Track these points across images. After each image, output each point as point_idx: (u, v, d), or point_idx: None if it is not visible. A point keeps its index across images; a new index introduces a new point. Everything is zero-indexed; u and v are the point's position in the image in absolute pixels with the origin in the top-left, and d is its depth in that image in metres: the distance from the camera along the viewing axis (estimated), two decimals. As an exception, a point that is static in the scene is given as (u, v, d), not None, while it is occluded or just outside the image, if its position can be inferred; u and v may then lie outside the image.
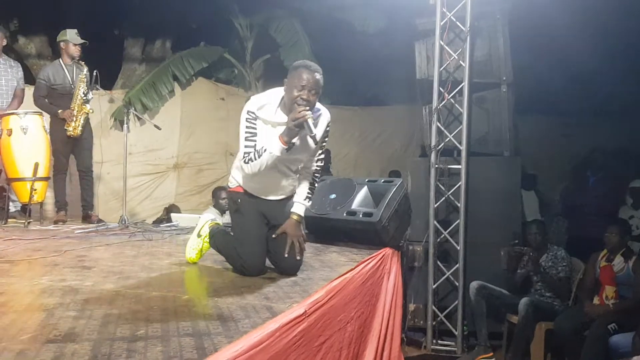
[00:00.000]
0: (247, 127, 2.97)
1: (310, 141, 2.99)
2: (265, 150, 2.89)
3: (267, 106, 2.97)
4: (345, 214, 4.39)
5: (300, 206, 3.15)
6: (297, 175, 3.19)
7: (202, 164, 8.42)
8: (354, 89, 8.95)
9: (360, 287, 3.46)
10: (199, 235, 3.43)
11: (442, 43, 5.16)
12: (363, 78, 9.04)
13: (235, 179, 3.19)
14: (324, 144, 3.16)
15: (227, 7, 8.76)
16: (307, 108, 2.85)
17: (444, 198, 5.28)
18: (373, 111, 9.45)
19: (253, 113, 2.96)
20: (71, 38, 5.35)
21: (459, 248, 5.15)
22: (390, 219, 4.29)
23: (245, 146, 2.96)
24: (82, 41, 5.36)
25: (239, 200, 3.18)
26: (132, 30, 9.28)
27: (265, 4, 8.42)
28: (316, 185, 3.25)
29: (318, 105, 3.04)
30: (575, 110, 7.70)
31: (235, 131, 3.22)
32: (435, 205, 5.23)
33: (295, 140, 2.93)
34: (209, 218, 3.57)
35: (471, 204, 5.27)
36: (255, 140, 2.94)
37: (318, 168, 3.21)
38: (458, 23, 5.20)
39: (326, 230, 4.54)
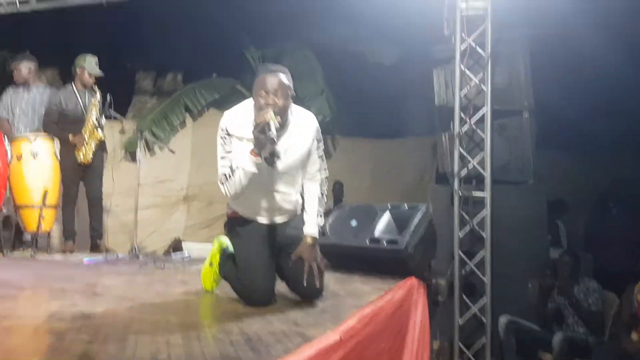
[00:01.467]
0: (220, 145, 2.74)
1: (297, 150, 2.73)
2: (237, 167, 2.63)
3: (240, 122, 2.71)
4: (367, 242, 4.17)
5: (313, 225, 2.84)
6: (297, 193, 2.90)
7: (213, 196, 8.19)
8: (367, 121, 8.82)
9: (390, 318, 3.22)
10: (210, 264, 3.19)
11: (463, 67, 5.02)
12: (376, 110, 8.92)
13: (230, 205, 2.95)
14: (321, 152, 2.87)
15: (239, 39, 8.74)
16: (269, 110, 2.56)
17: (468, 227, 5.05)
18: (386, 143, 9.29)
19: (225, 130, 2.72)
20: (89, 67, 5.25)
21: (485, 281, 4.90)
22: (416, 247, 4.07)
23: (221, 166, 2.72)
24: (99, 74, 5.26)
25: (236, 227, 2.91)
26: (143, 63, 9.26)
27: (277, 36, 8.40)
28: (324, 197, 2.93)
29: (302, 110, 2.81)
30: (596, 141, 7.52)
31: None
32: (461, 235, 5.00)
33: (278, 150, 2.60)
34: (222, 244, 3.26)
35: (496, 233, 5.04)
36: (230, 159, 2.69)
37: (323, 180, 2.90)
38: (478, 48, 5.08)
39: (347, 258, 4.31)
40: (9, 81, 5.65)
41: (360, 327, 2.55)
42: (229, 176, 2.66)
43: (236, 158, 2.66)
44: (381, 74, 8.15)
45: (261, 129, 2.51)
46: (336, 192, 8.32)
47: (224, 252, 3.18)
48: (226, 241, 3.28)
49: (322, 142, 2.88)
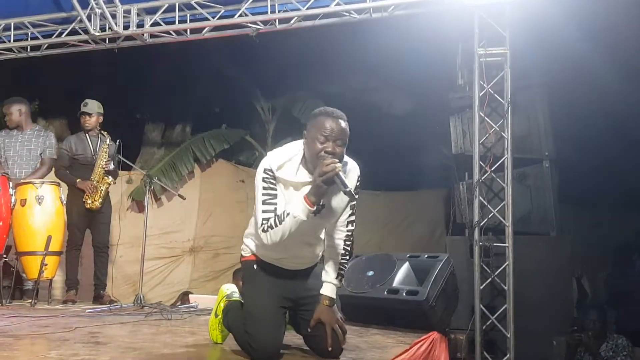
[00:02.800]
0: (264, 188, 2.48)
1: (341, 200, 2.52)
2: (288, 214, 2.40)
3: (287, 164, 2.50)
4: (386, 293, 3.96)
5: (331, 287, 2.61)
6: (322, 241, 2.68)
7: (219, 247, 8.02)
8: (378, 172, 8.69)
9: (415, 372, 2.99)
10: (216, 314, 2.96)
11: (483, 114, 4.92)
12: (388, 162, 8.81)
13: (249, 247, 2.71)
14: (355, 202, 2.61)
15: (249, 91, 8.76)
16: (336, 160, 2.37)
17: (489, 280, 4.82)
18: (397, 196, 9.15)
19: (271, 172, 2.49)
20: (83, 108, 5.17)
21: (508, 336, 4.62)
22: (438, 298, 3.86)
23: (264, 211, 2.46)
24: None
25: (255, 267, 2.66)
26: (152, 114, 9.26)
27: (288, 87, 8.41)
28: (348, 257, 2.68)
29: (346, 158, 2.56)
30: (617, 192, 7.34)
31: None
32: (481, 288, 4.76)
33: (324, 200, 2.46)
34: (227, 292, 3.02)
35: (517, 287, 4.80)
36: (275, 204, 2.47)
37: (349, 233, 2.64)
38: (496, 96, 4.99)
39: (364, 310, 4.09)
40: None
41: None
42: (276, 223, 2.43)
43: (284, 204, 2.47)
44: (394, 124, 8.09)
45: (328, 179, 2.33)
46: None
47: (228, 300, 2.95)
48: (231, 288, 3.06)
49: (359, 192, 2.65)
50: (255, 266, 2.66)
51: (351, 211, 2.62)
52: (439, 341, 3.79)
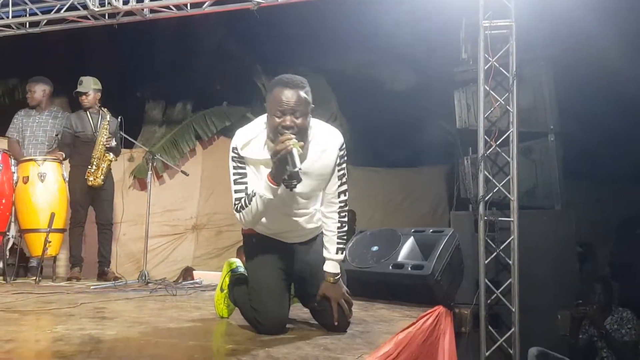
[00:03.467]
0: (234, 167, 2.44)
1: (321, 170, 2.45)
2: (254, 195, 2.35)
3: (253, 141, 2.42)
4: (390, 267, 3.93)
5: (332, 263, 2.55)
6: (317, 211, 2.59)
7: (222, 225, 8.00)
8: (380, 149, 8.65)
9: (422, 346, 2.99)
10: (221, 289, 2.93)
11: (488, 88, 4.86)
12: (389, 138, 8.76)
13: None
14: (342, 171, 2.54)
15: (249, 67, 8.66)
16: (291, 137, 2.27)
17: (493, 255, 4.81)
18: (399, 173, 9.11)
19: (237, 151, 2.42)
20: (78, 87, 5.13)
21: (513, 310, 4.63)
22: (443, 273, 3.84)
23: (235, 191, 2.43)
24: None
25: (254, 240, 2.60)
26: (153, 92, 9.17)
27: (289, 63, 8.29)
28: (345, 227, 2.59)
29: (322, 125, 2.49)
30: (622, 166, 7.28)
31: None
32: (486, 262, 4.74)
33: (298, 173, 2.30)
34: (233, 267, 2.99)
35: (522, 261, 4.79)
36: (245, 183, 2.42)
37: (342, 205, 2.55)
38: (502, 69, 4.92)
39: (368, 285, 4.06)
40: (18, 108, 5.54)
41: (396, 353, 2.32)
42: (246, 203, 2.38)
43: (251, 183, 2.41)
44: (396, 100, 8.01)
45: (282, 159, 2.25)
46: (348, 222, 8.10)
47: (233, 274, 2.91)
48: (237, 262, 3.03)
49: (345, 160, 2.57)
50: (254, 240, 2.61)
51: (340, 181, 2.53)
52: (444, 315, 3.79)
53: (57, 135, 5.22)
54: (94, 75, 5.27)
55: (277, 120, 2.32)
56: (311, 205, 2.57)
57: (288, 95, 2.32)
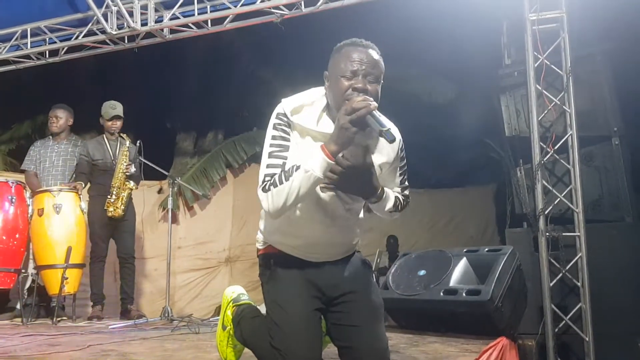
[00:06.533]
0: (273, 137, 1.93)
1: (380, 158, 1.97)
2: (298, 168, 1.82)
3: (306, 109, 1.95)
4: (442, 294, 3.44)
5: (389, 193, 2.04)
6: (356, 226, 2.11)
7: (256, 256, 7.59)
8: (422, 168, 8.13)
9: (487, 386, 2.46)
10: (223, 327, 2.34)
11: (540, 87, 4.34)
12: (430, 157, 8.24)
13: (262, 234, 2.13)
14: (404, 166, 2.09)
15: (277, 90, 8.35)
16: (370, 98, 1.80)
17: (559, 276, 4.21)
18: (443, 194, 8.57)
19: (285, 117, 1.93)
20: (104, 113, 4.89)
21: (587, 339, 4.01)
22: (504, 298, 3.32)
23: (268, 165, 1.90)
24: (113, 113, 4.83)
25: (272, 262, 2.06)
26: (183, 123, 8.97)
27: (316, 81, 7.98)
28: (407, 203, 2.11)
29: (382, 116, 1.83)
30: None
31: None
32: (551, 285, 4.15)
33: (390, 131, 1.77)
34: (233, 296, 2.37)
35: (592, 282, 4.19)
36: (284, 157, 1.91)
37: (403, 199, 2.09)
38: (554, 67, 4.41)
39: (417, 316, 3.59)
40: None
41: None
42: (281, 179, 1.84)
43: (295, 157, 1.90)
44: (435, 116, 7.53)
45: (359, 119, 1.75)
46: (391, 247, 7.60)
47: (236, 306, 2.31)
48: (236, 289, 2.42)
49: (405, 155, 2.10)
50: (272, 260, 2.07)
51: (402, 177, 2.09)
52: (509, 348, 3.25)
53: (77, 164, 4.94)
54: (124, 108, 5.01)
55: (346, 83, 1.87)
56: (354, 210, 2.06)
57: (362, 55, 1.89)
